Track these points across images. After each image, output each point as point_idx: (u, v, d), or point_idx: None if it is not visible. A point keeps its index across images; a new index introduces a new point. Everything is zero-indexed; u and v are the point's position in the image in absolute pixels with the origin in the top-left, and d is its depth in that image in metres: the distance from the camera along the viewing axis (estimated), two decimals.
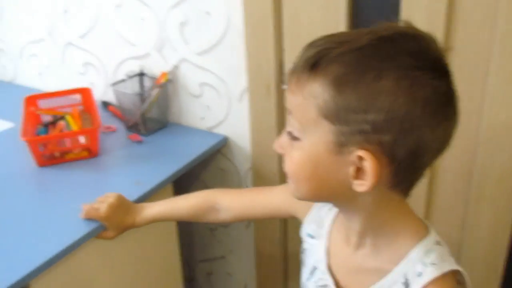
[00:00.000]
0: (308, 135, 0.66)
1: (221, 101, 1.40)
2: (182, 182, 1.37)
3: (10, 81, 1.93)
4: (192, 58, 1.39)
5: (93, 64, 1.63)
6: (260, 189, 1.06)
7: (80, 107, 1.55)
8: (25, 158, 1.31)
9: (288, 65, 1.19)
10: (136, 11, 1.43)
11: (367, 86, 0.60)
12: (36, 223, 1.09)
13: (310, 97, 0.63)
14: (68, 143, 1.32)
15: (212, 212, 1.02)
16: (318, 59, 0.63)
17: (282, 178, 1.38)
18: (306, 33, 1.17)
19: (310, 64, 0.63)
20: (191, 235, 1.67)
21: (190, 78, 1.42)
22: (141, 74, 1.50)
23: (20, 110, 1.49)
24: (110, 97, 1.61)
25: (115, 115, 1.57)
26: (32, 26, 1.72)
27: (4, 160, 1.35)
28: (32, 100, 1.50)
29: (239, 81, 1.33)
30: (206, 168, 1.52)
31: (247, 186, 1.47)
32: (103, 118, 1.47)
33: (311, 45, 0.66)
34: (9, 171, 1.29)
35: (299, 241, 1.41)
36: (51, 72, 1.76)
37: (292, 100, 0.67)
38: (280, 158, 1.34)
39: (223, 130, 1.45)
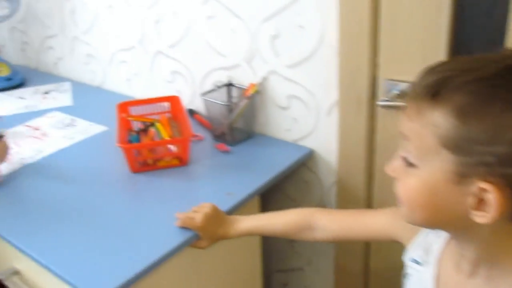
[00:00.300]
0: (425, 163, 0.66)
1: (309, 114, 1.42)
2: (265, 193, 1.39)
3: (98, 86, 2.02)
4: (281, 71, 1.41)
5: (181, 73, 1.68)
6: (360, 212, 1.05)
7: (168, 115, 1.60)
8: (119, 163, 1.38)
9: (382, 80, 1.19)
10: (227, 23, 1.47)
11: (494, 118, 0.59)
12: (131, 230, 1.14)
13: (430, 125, 0.63)
14: (160, 151, 1.37)
15: (308, 231, 1.03)
16: (440, 87, 0.63)
17: (368, 193, 1.37)
18: (403, 50, 1.17)
19: (431, 91, 0.63)
20: (269, 244, 1.69)
21: (278, 90, 1.44)
22: (229, 85, 1.54)
23: (109, 114, 1.61)
24: (196, 106, 1.65)
25: (201, 123, 1.61)
26: (124, 34, 1.79)
27: (100, 163, 1.41)
28: (124, 106, 1.57)
29: (329, 94, 1.34)
30: (289, 179, 1.53)
31: (330, 200, 1.47)
32: None
33: (431, 71, 0.66)
34: (105, 175, 1.35)
35: (382, 257, 1.41)
36: (139, 79, 1.83)
37: (410, 126, 0.67)
38: (366, 174, 1.34)
39: (309, 143, 1.46)
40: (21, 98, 1.93)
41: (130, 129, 1.51)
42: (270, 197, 1.57)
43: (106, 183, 1.32)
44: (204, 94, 1.50)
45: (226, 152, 1.45)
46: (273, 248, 1.70)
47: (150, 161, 1.35)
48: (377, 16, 1.18)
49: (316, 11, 1.27)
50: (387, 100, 1.22)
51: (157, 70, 1.75)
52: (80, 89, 2.00)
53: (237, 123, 1.47)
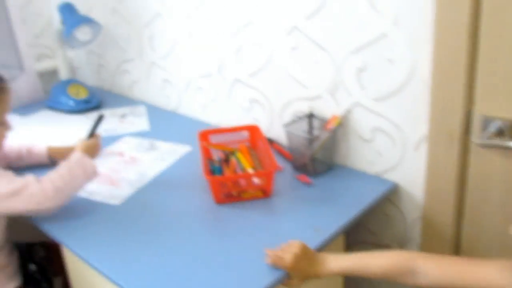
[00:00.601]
0: None
1: (394, 147, 1.40)
2: None
3: (173, 110, 2.07)
4: (367, 103, 1.41)
5: (260, 101, 1.69)
6: (469, 260, 1.02)
7: (247, 144, 1.62)
8: (204, 191, 1.41)
9: (477, 116, 1.16)
10: (312, 54, 1.47)
11: None
12: (219, 264, 1.14)
13: None
14: (243, 182, 1.38)
15: (409, 275, 1.01)
16: None
17: (456, 232, 1.34)
18: (502, 85, 1.14)
19: None
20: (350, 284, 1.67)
21: (363, 122, 1.44)
22: (311, 115, 1.54)
23: (185, 138, 1.72)
24: (274, 135, 1.67)
25: (279, 153, 1.61)
26: (203, 61, 1.83)
27: (187, 190, 1.45)
28: (205, 135, 1.59)
29: (418, 128, 1.32)
30: (370, 211, 1.51)
31: (414, 235, 1.44)
32: None
33: None
34: (191, 205, 1.38)
35: None
36: (215, 105, 1.86)
37: None
38: (455, 211, 1.31)
39: (393, 176, 1.44)
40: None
41: (210, 158, 1.52)
42: (349, 230, 1.55)
43: (193, 214, 1.34)
44: (286, 125, 1.50)
45: (308, 184, 1.44)
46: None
47: (234, 193, 1.36)
48: (474, 50, 1.16)
49: (407, 46, 1.26)
50: (483, 138, 1.19)
51: (234, 97, 1.77)
52: (155, 113, 2.04)
53: (317, 154, 1.47)
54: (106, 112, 2.07)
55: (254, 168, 1.47)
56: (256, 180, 1.39)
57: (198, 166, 1.47)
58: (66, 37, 1.89)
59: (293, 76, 1.55)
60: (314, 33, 1.44)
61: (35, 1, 2.33)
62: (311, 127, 1.54)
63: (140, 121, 1.95)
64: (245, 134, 1.64)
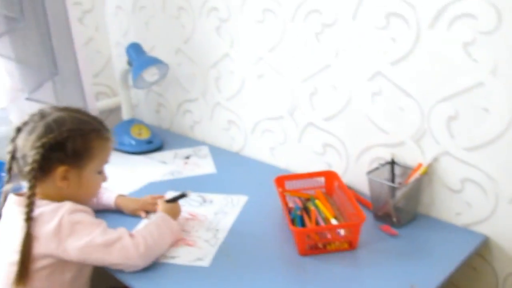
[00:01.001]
0: None
1: (486, 199, 1.35)
2: None
3: (237, 152, 2.05)
4: (456, 153, 1.36)
5: (334, 146, 1.66)
6: None
7: (323, 190, 1.58)
8: (285, 243, 1.39)
9: None
10: (396, 100, 1.45)
11: None
12: None
13: None
14: (328, 234, 1.34)
15: None
16: None
17: None
18: None
19: None
20: None
21: (451, 172, 1.39)
22: (392, 163, 1.50)
23: (252, 182, 1.72)
24: (348, 181, 1.64)
25: (357, 200, 1.57)
26: (273, 103, 1.82)
27: (265, 243, 1.41)
28: (281, 181, 1.56)
29: None
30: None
31: None
32: None
33: None
34: (273, 258, 1.34)
35: None
36: (284, 149, 1.84)
37: None
38: None
39: (483, 229, 1.39)
40: (163, 162, 1.98)
41: (287, 206, 1.49)
42: None
43: (277, 266, 1.31)
44: (369, 172, 1.46)
45: (393, 235, 1.39)
46: None
47: (320, 244, 1.32)
48: None
49: (505, 95, 1.22)
50: None
51: (306, 141, 1.75)
52: (219, 154, 2.03)
53: (400, 203, 1.42)
54: (169, 153, 2.07)
55: (335, 217, 1.43)
56: (341, 231, 1.34)
57: (270, 215, 1.48)
58: (134, 78, 1.89)
59: (374, 121, 1.52)
60: (400, 79, 1.41)
61: (95, 39, 2.36)
62: (392, 174, 1.49)
63: (205, 163, 1.94)
64: (320, 180, 1.60)
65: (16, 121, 1.83)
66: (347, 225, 1.33)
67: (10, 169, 1.25)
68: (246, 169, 1.90)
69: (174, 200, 1.50)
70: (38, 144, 1.18)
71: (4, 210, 1.26)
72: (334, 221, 1.41)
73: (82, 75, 2.03)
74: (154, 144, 2.09)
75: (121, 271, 1.27)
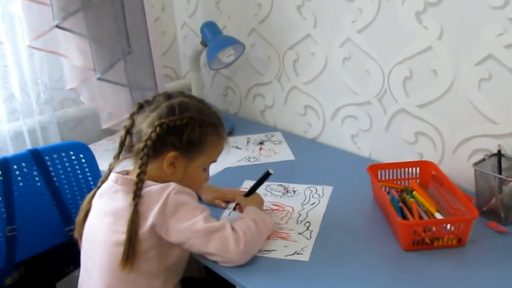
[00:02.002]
0: None
1: None
2: None
3: (313, 138, 1.97)
4: None
5: (429, 135, 1.58)
6: None
7: (417, 181, 1.50)
8: (386, 237, 1.32)
9: None
10: (507, 87, 1.34)
11: None
12: None
13: None
14: (434, 228, 1.25)
15: None
16: None
17: None
18: None
19: None
20: None
21: None
22: (499, 154, 1.40)
23: (335, 171, 1.67)
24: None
25: (453, 194, 1.47)
26: (358, 88, 1.75)
27: (364, 237, 1.34)
28: (374, 170, 1.48)
29: None
30: None
31: None
32: None
33: None
34: (375, 253, 1.27)
35: None
36: (367, 136, 1.78)
37: None
38: None
39: None
40: (237, 147, 1.92)
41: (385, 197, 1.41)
42: None
43: (380, 262, 1.24)
44: (476, 164, 1.37)
45: (502, 233, 1.30)
46: None
47: (427, 240, 1.23)
48: None
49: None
50: None
51: (395, 129, 1.67)
52: (293, 140, 1.97)
53: (506, 199, 1.33)
54: (240, 138, 2.01)
55: (438, 211, 1.34)
56: (448, 226, 1.26)
57: (360, 206, 1.44)
58: (210, 59, 1.83)
59: (479, 109, 1.42)
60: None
61: (161, 19, 2.32)
62: (499, 167, 1.40)
63: (281, 149, 1.87)
64: (413, 170, 1.52)
65: (86, 102, 1.81)
66: (459, 220, 1.25)
67: (122, 144, 1.23)
68: (326, 157, 1.83)
69: (257, 186, 1.44)
70: (158, 123, 1.16)
71: (103, 188, 1.22)
72: (438, 215, 1.32)
73: (154, 55, 1.97)
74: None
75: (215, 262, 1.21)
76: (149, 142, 1.16)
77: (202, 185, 1.32)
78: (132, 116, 1.24)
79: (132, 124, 1.23)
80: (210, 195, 1.48)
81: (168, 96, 1.24)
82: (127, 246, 1.11)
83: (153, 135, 1.16)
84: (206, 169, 1.30)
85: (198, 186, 1.29)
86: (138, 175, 1.15)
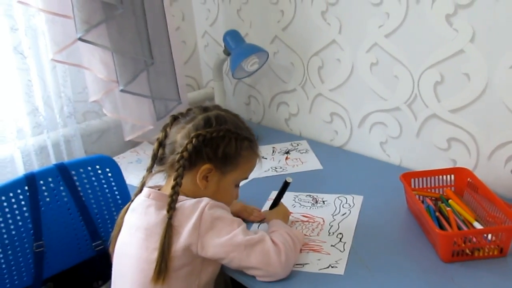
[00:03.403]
0: None
1: None
2: None
3: (339, 146, 1.94)
4: None
5: (462, 141, 1.54)
6: None
7: (452, 189, 1.46)
8: (424, 248, 1.29)
9: None
10: None
11: None
12: None
13: None
14: (474, 239, 1.21)
15: None
16: None
17: None
18: None
19: None
20: None
21: None
22: None
23: (361, 179, 1.63)
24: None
25: (491, 201, 1.43)
26: (386, 93, 1.72)
27: (400, 248, 1.31)
28: (407, 178, 1.45)
29: None
30: None
31: None
32: None
33: None
34: (413, 265, 1.23)
35: None
36: (397, 143, 1.74)
37: None
38: None
39: None
40: (263, 157, 1.90)
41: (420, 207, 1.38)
42: None
43: (419, 274, 1.20)
44: None
45: None
46: None
47: (468, 250, 1.20)
48: None
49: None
50: None
51: (426, 135, 1.63)
52: (320, 149, 1.95)
53: None
54: (265, 148, 1.99)
55: (477, 220, 1.30)
56: (489, 236, 1.22)
57: (393, 216, 1.42)
58: (234, 67, 1.81)
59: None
60: None
61: (181, 28, 2.31)
62: None
63: (308, 158, 1.85)
64: (447, 178, 1.49)
65: (109, 114, 1.80)
66: (501, 229, 1.21)
67: (155, 156, 1.22)
68: (354, 165, 1.80)
69: (279, 197, 1.42)
70: (194, 134, 1.16)
71: (135, 203, 1.20)
72: (477, 225, 1.28)
73: (176, 65, 1.96)
74: None
75: (251, 277, 1.18)
76: (185, 154, 1.14)
77: (232, 201, 1.29)
78: (165, 128, 1.23)
79: (165, 136, 1.21)
80: (235, 208, 1.46)
81: (204, 109, 1.23)
82: (160, 261, 1.09)
83: (189, 146, 1.15)
84: (237, 186, 1.27)
85: (228, 202, 1.27)
86: (173, 187, 1.14)
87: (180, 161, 1.14)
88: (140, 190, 1.22)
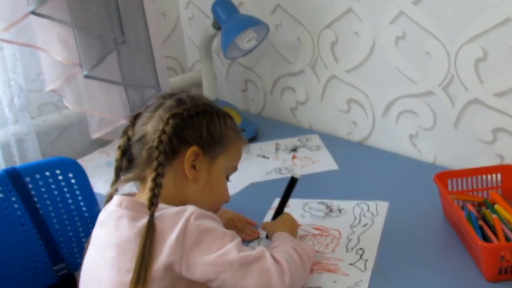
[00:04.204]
0: None
1: None
2: None
3: (359, 142, 1.97)
4: None
5: (509, 130, 1.57)
6: None
7: (499, 191, 1.48)
8: (464, 264, 1.31)
9: None
10: None
11: None
12: None
13: None
14: None
15: None
16: None
17: None
18: None
19: None
20: None
21: None
22: None
23: (387, 181, 1.65)
24: None
25: None
26: (416, 75, 1.74)
27: (435, 266, 1.32)
28: (443, 179, 1.47)
29: None
30: None
31: None
32: None
33: None
34: (447, 283, 1.27)
35: None
36: (431, 135, 1.77)
37: None
38: None
39: None
40: (263, 157, 1.93)
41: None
42: None
43: None
44: None
45: None
46: None
47: None
48: None
49: None
50: None
51: (467, 125, 1.66)
52: (335, 145, 1.98)
53: None
54: (267, 144, 2.02)
55: None
56: None
57: (426, 226, 1.45)
58: (226, 45, 1.83)
59: None
60: None
61: None
62: None
63: (320, 157, 1.88)
64: (492, 178, 1.51)
65: (71, 106, 1.82)
66: None
67: (119, 169, 1.24)
68: (378, 164, 1.83)
69: (285, 200, 1.44)
70: (169, 114, 1.17)
71: (103, 215, 1.22)
72: None
73: (153, 45, 1.98)
74: (247, 133, 2.04)
75: None
76: (164, 137, 1.15)
77: (224, 199, 1.31)
78: (126, 132, 1.24)
79: (128, 140, 1.23)
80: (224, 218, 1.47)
81: (171, 94, 1.26)
82: (134, 284, 1.10)
83: (167, 128, 1.16)
84: (228, 177, 1.30)
85: (220, 198, 1.30)
86: (154, 179, 1.14)
87: (160, 147, 1.15)
88: (109, 200, 1.24)
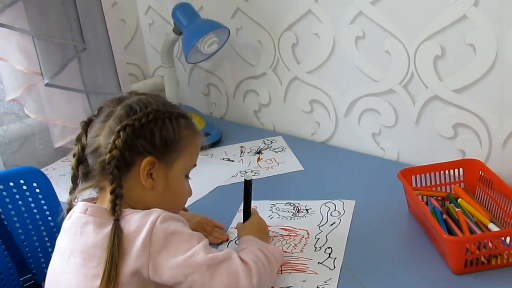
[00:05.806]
0: None
1: None
2: None
3: (323, 141, 1.98)
4: None
5: (471, 126, 1.60)
6: None
7: (461, 185, 1.51)
8: (431, 259, 1.32)
9: None
10: None
11: None
12: None
13: None
14: (491, 244, 1.26)
15: None
16: None
17: None
18: None
19: None
20: None
21: None
22: None
23: (352, 180, 1.67)
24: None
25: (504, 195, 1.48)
26: (378, 73, 1.76)
27: (404, 261, 1.35)
28: (407, 175, 1.50)
29: None
30: None
31: None
32: None
33: None
34: (422, 280, 1.27)
35: None
36: (393, 133, 1.80)
37: None
38: None
39: None
40: (229, 160, 1.93)
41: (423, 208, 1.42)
42: None
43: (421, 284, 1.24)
44: None
45: None
46: None
47: (483, 258, 1.24)
48: None
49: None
50: None
51: (428, 121, 1.68)
52: (299, 146, 1.99)
53: None
54: (231, 148, 2.03)
55: (492, 221, 1.35)
56: (508, 239, 1.27)
57: (392, 222, 1.46)
58: (187, 50, 1.83)
59: None
60: None
61: (119, 4, 2.31)
62: None
63: (285, 158, 1.89)
64: (455, 172, 1.54)
65: (33, 115, 1.80)
66: None
67: (75, 177, 1.23)
68: (342, 163, 1.84)
69: (246, 205, 1.44)
70: (119, 127, 1.15)
71: (67, 223, 1.21)
72: (493, 227, 1.34)
73: (114, 52, 1.97)
74: (212, 136, 2.05)
75: None
76: (115, 152, 1.14)
77: (186, 198, 1.31)
78: (79, 139, 1.22)
79: (83, 148, 1.21)
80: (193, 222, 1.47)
81: (120, 99, 1.23)
82: (105, 287, 1.09)
83: (118, 142, 1.14)
84: (187, 177, 1.29)
85: (182, 199, 1.30)
86: (113, 191, 1.14)
87: (112, 162, 1.14)
88: (70, 209, 1.22)
